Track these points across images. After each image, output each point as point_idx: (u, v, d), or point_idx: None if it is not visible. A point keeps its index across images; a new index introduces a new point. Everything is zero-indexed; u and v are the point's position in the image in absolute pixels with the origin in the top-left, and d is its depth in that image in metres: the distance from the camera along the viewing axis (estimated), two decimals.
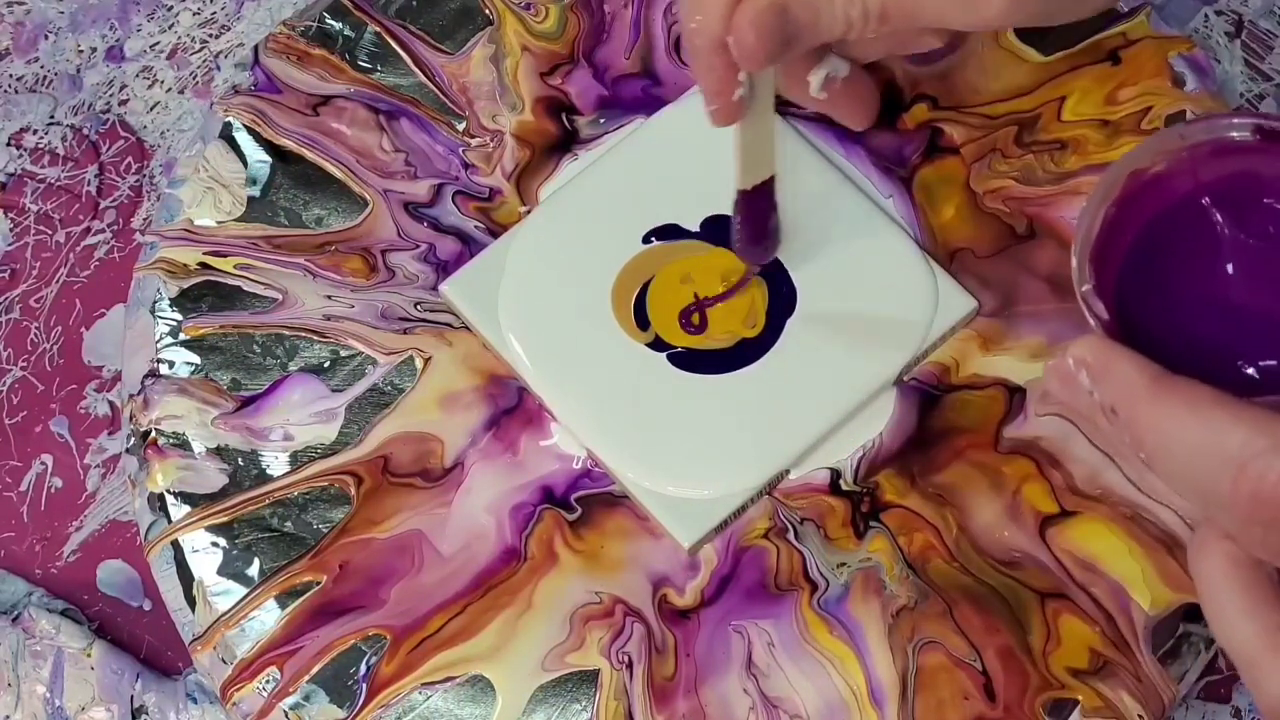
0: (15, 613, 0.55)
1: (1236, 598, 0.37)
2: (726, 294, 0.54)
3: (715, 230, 0.55)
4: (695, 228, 0.55)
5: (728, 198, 0.52)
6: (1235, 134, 0.41)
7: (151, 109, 0.63)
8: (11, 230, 0.62)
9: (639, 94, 0.59)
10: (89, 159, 0.62)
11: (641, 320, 0.54)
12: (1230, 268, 0.41)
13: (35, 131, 0.63)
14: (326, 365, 0.55)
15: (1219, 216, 0.41)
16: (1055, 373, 0.39)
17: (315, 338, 0.55)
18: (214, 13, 0.65)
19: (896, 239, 0.55)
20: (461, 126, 0.58)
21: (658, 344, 0.54)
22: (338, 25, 0.60)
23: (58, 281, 0.61)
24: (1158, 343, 0.39)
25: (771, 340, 0.54)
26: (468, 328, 0.55)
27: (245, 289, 0.56)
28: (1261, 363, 0.39)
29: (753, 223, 0.51)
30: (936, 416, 0.53)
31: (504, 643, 0.51)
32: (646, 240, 0.55)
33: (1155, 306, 0.40)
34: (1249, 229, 0.41)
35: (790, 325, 0.54)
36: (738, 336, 0.54)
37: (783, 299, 0.54)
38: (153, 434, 0.54)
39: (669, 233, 0.55)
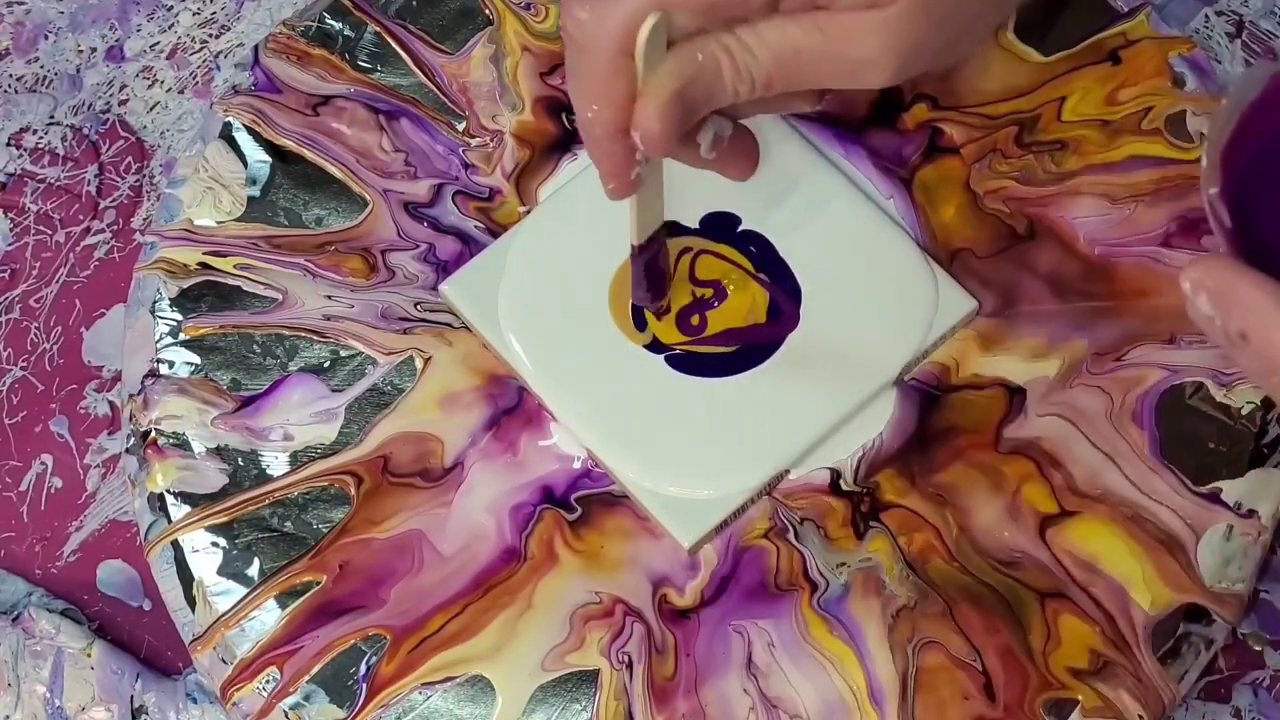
0: (15, 613, 0.55)
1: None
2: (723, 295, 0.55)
3: (714, 227, 0.55)
4: (694, 225, 0.55)
5: (727, 195, 0.51)
6: None
7: (151, 109, 0.63)
8: (11, 230, 0.61)
9: None
10: (89, 159, 0.62)
11: (639, 321, 0.54)
12: None
13: (35, 131, 0.63)
14: (326, 365, 0.55)
15: None
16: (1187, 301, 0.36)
17: (315, 338, 0.55)
18: (214, 13, 0.65)
19: (897, 239, 0.55)
20: (461, 126, 0.58)
21: (655, 345, 0.54)
22: (338, 25, 0.60)
23: (58, 281, 0.61)
24: (1275, 251, 0.36)
25: (772, 342, 0.54)
26: (468, 328, 0.55)
27: (245, 289, 0.56)
28: None
29: (650, 269, 0.52)
30: (937, 416, 0.53)
31: (504, 643, 0.51)
32: None
33: (1274, 214, 0.37)
34: None
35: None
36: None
37: (784, 299, 0.54)
38: (153, 434, 0.54)
39: (668, 230, 0.55)
